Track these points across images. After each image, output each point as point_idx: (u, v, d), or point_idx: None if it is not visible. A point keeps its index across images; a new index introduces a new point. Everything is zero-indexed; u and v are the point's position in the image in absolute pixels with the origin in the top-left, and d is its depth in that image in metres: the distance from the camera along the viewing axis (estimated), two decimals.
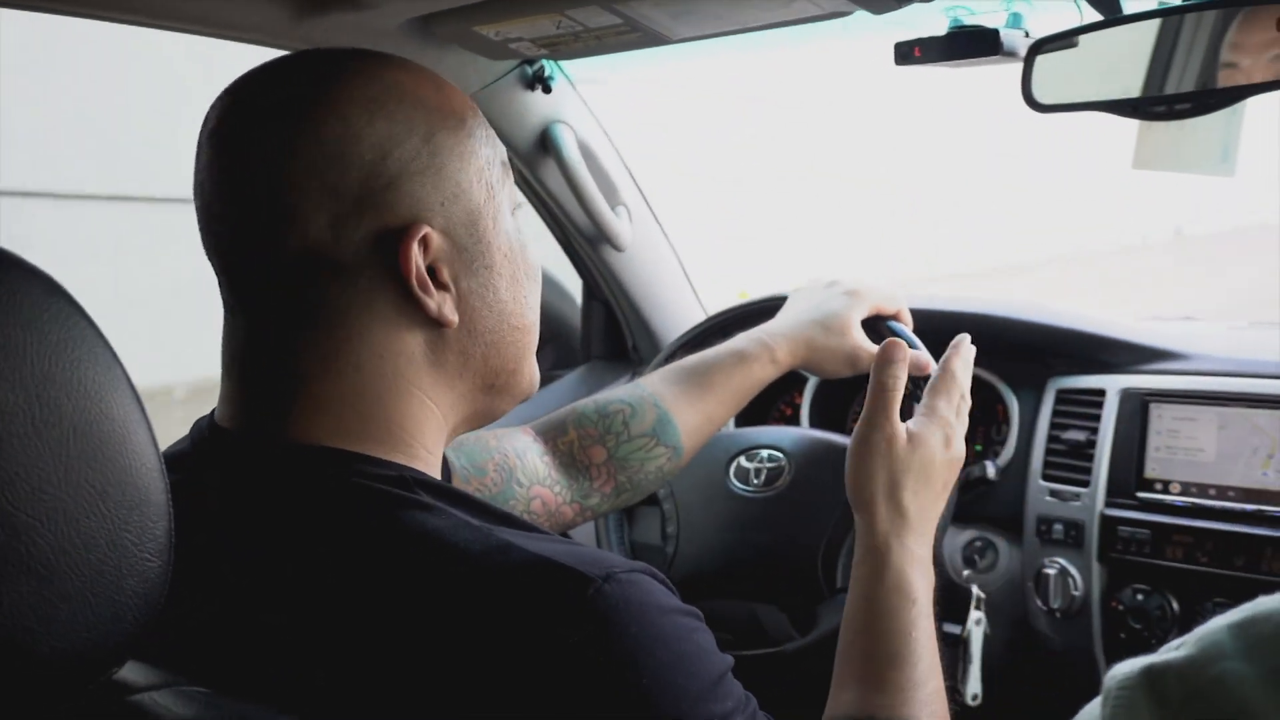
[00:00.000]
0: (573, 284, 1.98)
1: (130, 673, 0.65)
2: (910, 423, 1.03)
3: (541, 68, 1.51)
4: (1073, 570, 1.47)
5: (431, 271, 0.79)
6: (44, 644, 0.58)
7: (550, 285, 2.07)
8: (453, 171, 0.80)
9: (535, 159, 1.61)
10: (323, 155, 0.75)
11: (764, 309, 1.45)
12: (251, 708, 0.65)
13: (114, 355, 0.62)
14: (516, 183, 1.67)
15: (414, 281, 0.77)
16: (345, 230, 0.76)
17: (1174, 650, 0.56)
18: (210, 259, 0.81)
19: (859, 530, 1.01)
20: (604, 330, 1.96)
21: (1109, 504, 1.47)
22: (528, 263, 0.87)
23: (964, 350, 1.10)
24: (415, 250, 0.77)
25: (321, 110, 0.76)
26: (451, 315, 0.80)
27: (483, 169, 0.82)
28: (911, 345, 1.28)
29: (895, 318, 1.34)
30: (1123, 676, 0.57)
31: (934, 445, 1.02)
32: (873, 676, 0.93)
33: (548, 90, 1.53)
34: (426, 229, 0.77)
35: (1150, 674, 0.56)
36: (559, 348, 2.05)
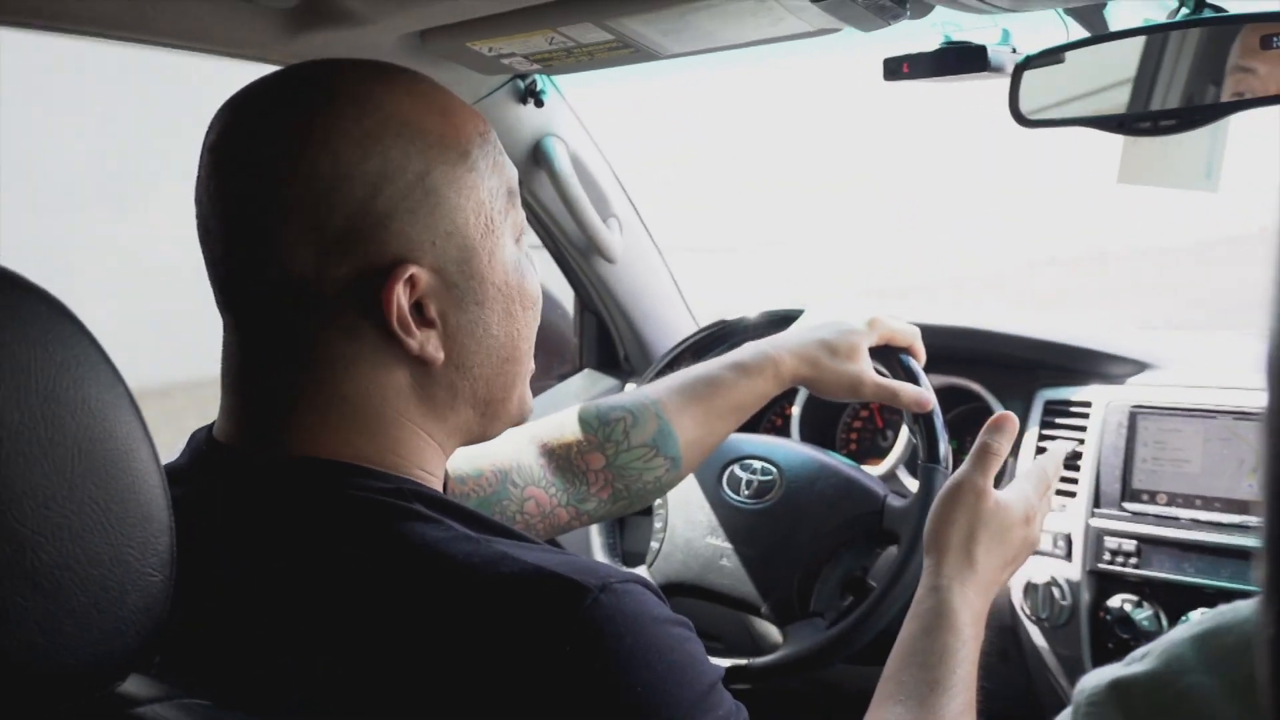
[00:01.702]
0: (565, 293, 1.99)
1: (133, 686, 0.66)
2: (1001, 490, 1.11)
3: (534, 82, 1.53)
4: (1060, 580, 1.48)
5: (420, 307, 0.78)
6: (49, 658, 0.59)
7: (543, 295, 2.08)
8: (448, 209, 0.78)
9: (528, 172, 1.63)
10: (310, 191, 0.74)
11: (762, 324, 1.47)
12: None
13: (117, 374, 0.63)
14: None
15: (395, 323, 0.76)
16: (328, 267, 0.75)
17: (1138, 662, 0.57)
18: (208, 271, 0.81)
19: (927, 568, 1.08)
20: (596, 340, 1.97)
21: (1096, 514, 1.48)
22: (525, 293, 0.85)
23: (1057, 452, 1.25)
24: (399, 291, 0.76)
25: (314, 142, 0.75)
26: (436, 353, 0.79)
27: (483, 203, 0.80)
28: (917, 382, 1.31)
29: (908, 351, 1.34)
30: (1091, 690, 0.58)
31: (1015, 515, 1.10)
32: (919, 699, 0.98)
33: (540, 104, 1.54)
34: (413, 269, 0.76)
35: (1117, 688, 0.56)
36: (551, 356, 2.06)
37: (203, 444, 0.84)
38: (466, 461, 1.14)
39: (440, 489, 0.84)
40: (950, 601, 1.03)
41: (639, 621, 0.71)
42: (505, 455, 1.17)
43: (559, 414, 1.24)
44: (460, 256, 0.79)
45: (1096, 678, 0.57)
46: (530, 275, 0.86)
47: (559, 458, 1.20)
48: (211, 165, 0.78)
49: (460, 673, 0.69)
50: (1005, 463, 1.57)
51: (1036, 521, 1.13)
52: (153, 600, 0.63)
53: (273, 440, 0.79)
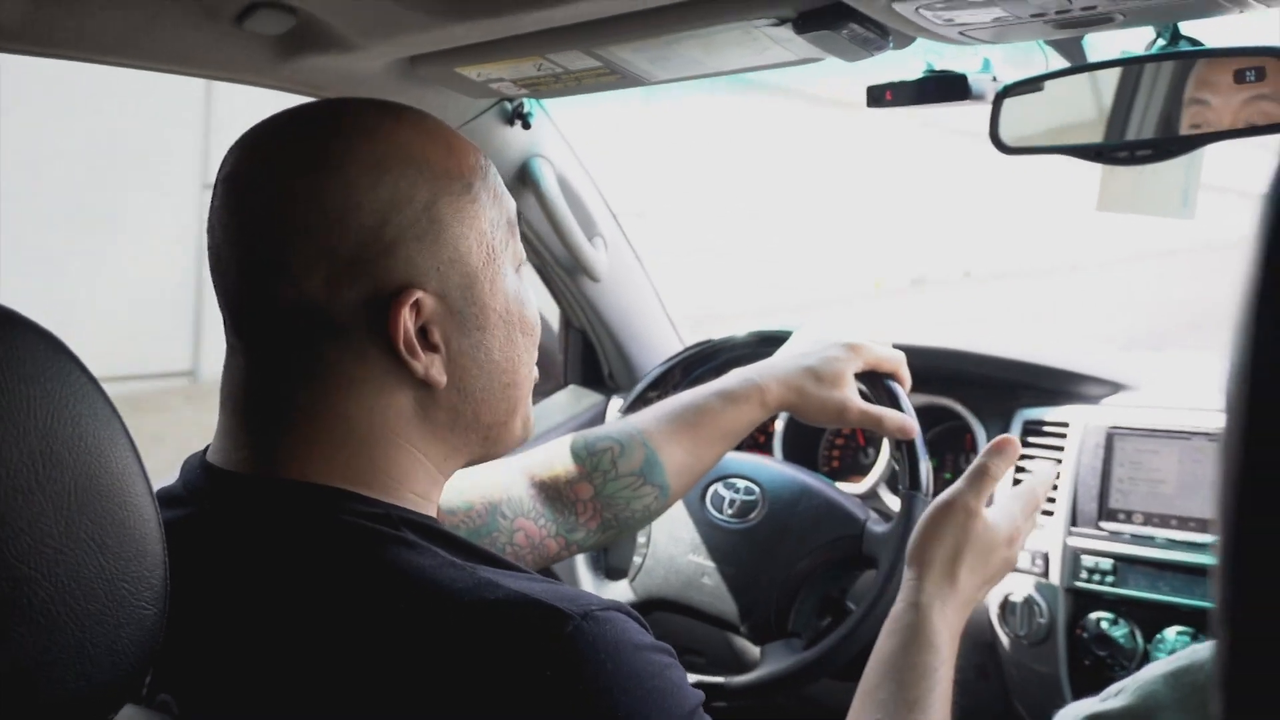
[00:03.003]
0: (551, 310, 2.00)
1: (126, 715, 0.67)
2: (988, 510, 1.12)
3: (521, 104, 1.55)
4: (1038, 598, 1.50)
5: (424, 332, 0.80)
6: (43, 691, 0.60)
7: None
8: (452, 237, 0.81)
9: (514, 192, 1.63)
10: (323, 217, 0.77)
11: (749, 343, 1.49)
12: None
13: (113, 409, 0.64)
14: None
15: (402, 346, 0.79)
16: (339, 290, 0.78)
17: (1114, 698, 0.58)
18: (218, 298, 0.83)
19: (907, 583, 1.08)
20: (581, 357, 1.99)
21: (1073, 533, 1.50)
22: (525, 320, 0.88)
23: (1046, 474, 1.24)
24: (405, 315, 0.78)
25: (326, 171, 0.78)
26: (440, 376, 0.81)
27: (485, 232, 0.83)
28: (902, 409, 1.32)
29: (893, 376, 1.36)
30: None
31: (1000, 536, 1.11)
32: (897, 717, 0.99)
33: (527, 126, 1.56)
34: (419, 294, 0.79)
35: None
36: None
37: (198, 467, 0.85)
38: (456, 494, 1.15)
39: (433, 511, 0.86)
40: (930, 619, 1.05)
41: (620, 648, 0.73)
42: (495, 488, 1.19)
43: (547, 446, 1.25)
44: (463, 283, 0.82)
45: (1074, 712, 0.59)
46: (530, 304, 0.89)
47: (548, 489, 1.21)
48: (224, 195, 0.81)
49: (444, 697, 0.70)
50: None
51: (1019, 542, 1.15)
52: (146, 633, 0.64)
53: (270, 463, 0.81)
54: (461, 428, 0.85)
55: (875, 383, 1.35)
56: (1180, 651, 0.59)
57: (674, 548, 1.46)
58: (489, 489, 1.18)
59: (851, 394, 1.30)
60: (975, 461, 1.13)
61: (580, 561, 1.52)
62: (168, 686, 0.79)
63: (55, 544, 0.60)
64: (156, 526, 0.65)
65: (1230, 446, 0.36)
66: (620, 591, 1.47)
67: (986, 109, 1.24)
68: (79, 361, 0.64)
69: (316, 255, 0.78)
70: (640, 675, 0.73)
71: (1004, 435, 1.16)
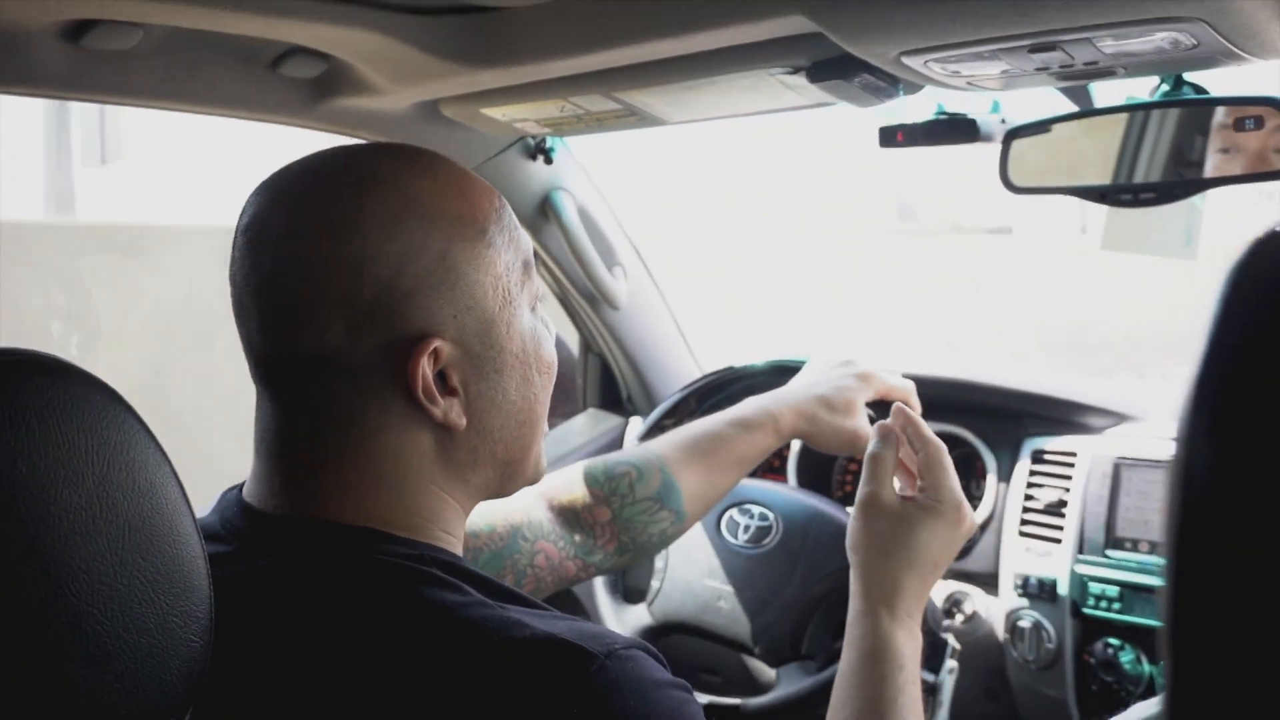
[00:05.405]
0: (571, 335, 2.05)
1: None
2: (923, 494, 1.08)
3: (543, 139, 1.59)
4: (1046, 623, 1.54)
5: (442, 376, 0.82)
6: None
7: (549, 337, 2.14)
8: (468, 284, 0.82)
9: (536, 224, 1.69)
10: (342, 268, 0.79)
11: (765, 371, 1.52)
12: None
13: (163, 455, 0.68)
14: None
15: (420, 392, 0.81)
16: (358, 339, 0.80)
17: None
18: (243, 345, 0.85)
19: (854, 590, 1.06)
20: (599, 381, 2.03)
21: (1080, 561, 1.53)
22: (541, 359, 0.89)
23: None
24: (424, 363, 0.80)
25: (344, 224, 0.80)
26: (459, 419, 0.83)
27: (500, 276, 0.84)
28: None
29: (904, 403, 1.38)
30: None
31: (942, 520, 1.06)
32: None
33: (549, 161, 1.60)
34: (437, 341, 0.80)
35: None
36: (556, 396, 2.11)
37: (234, 504, 0.88)
38: (480, 517, 1.18)
39: (459, 548, 0.89)
40: (879, 627, 1.03)
41: (641, 685, 0.76)
42: (516, 511, 1.21)
43: (567, 470, 1.28)
44: (480, 328, 0.83)
45: None
46: (546, 342, 0.90)
47: (567, 512, 1.25)
48: (245, 245, 0.83)
49: None
50: (995, 507, 1.63)
51: (965, 508, 1.08)
52: (194, 664, 0.68)
53: (303, 504, 0.84)
54: (480, 466, 0.87)
55: (886, 411, 1.38)
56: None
57: (690, 572, 1.50)
58: (511, 512, 1.21)
59: (863, 422, 1.33)
60: (865, 458, 1.10)
61: (599, 586, 1.56)
62: (208, 717, 0.83)
63: (111, 582, 0.64)
64: (203, 563, 0.69)
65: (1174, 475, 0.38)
66: (638, 615, 1.51)
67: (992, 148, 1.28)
68: (133, 410, 0.68)
69: (336, 307, 0.79)
70: (661, 712, 0.76)
71: (880, 421, 1.13)
